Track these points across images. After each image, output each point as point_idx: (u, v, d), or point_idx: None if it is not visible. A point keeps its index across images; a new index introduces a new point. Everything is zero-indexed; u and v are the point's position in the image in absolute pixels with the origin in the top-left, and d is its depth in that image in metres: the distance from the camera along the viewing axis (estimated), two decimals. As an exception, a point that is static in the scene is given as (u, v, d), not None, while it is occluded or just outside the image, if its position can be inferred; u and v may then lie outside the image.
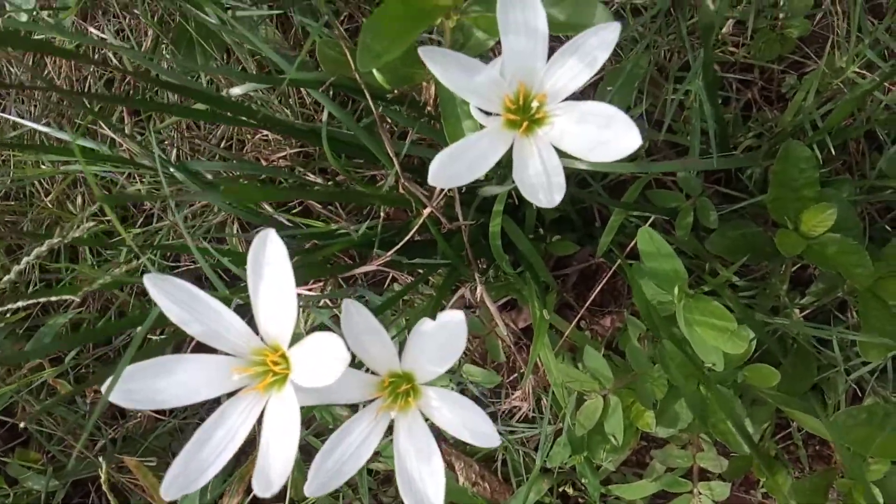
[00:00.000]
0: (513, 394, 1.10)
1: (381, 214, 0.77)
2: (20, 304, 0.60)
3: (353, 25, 0.99)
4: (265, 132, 0.92)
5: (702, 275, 1.04)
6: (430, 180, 0.54)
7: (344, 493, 1.11)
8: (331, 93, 0.73)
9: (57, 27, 0.72)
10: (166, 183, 0.73)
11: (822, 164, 0.84)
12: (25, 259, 0.59)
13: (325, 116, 0.71)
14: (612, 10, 0.99)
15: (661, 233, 1.00)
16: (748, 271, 1.00)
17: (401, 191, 0.75)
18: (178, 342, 0.64)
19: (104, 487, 0.78)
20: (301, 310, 0.89)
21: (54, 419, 1.10)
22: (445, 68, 0.54)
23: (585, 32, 0.54)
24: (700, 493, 0.95)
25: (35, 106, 1.09)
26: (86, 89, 0.99)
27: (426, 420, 0.56)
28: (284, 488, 0.62)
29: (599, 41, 0.54)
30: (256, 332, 0.53)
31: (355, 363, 0.55)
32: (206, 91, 0.75)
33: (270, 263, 0.50)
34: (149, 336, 1.05)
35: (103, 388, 0.52)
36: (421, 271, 0.96)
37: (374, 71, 0.67)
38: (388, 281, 1.06)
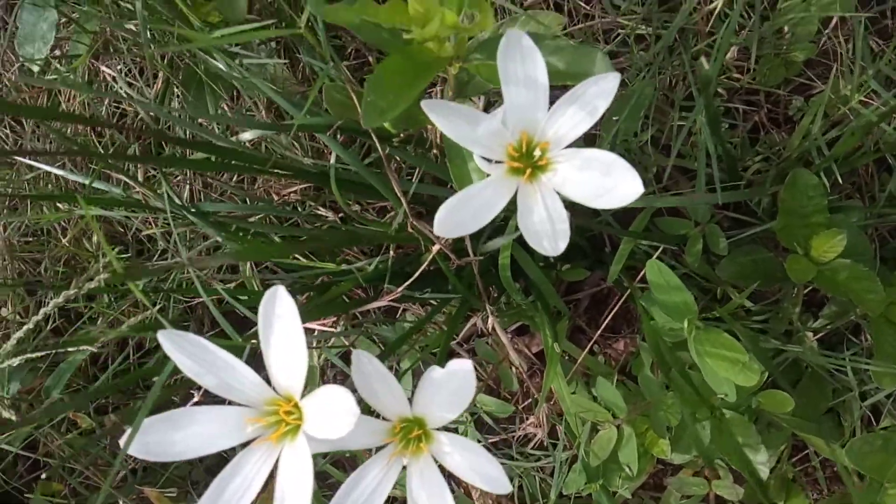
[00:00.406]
0: (527, 419, 1.11)
1: (391, 252, 0.78)
2: (37, 354, 0.61)
3: (360, 61, 1.00)
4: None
5: (714, 298, 1.04)
6: (436, 230, 0.55)
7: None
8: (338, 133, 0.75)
9: (67, 82, 0.74)
10: (174, 225, 0.75)
11: (830, 190, 0.84)
12: (43, 310, 0.60)
13: (332, 159, 0.73)
14: (618, 38, 0.99)
15: (671, 258, 1.01)
16: (760, 294, 1.00)
17: (409, 230, 0.76)
18: (190, 386, 0.66)
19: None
20: (315, 345, 0.90)
21: (74, 450, 1.12)
22: (448, 121, 0.55)
23: (585, 82, 0.54)
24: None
25: (51, 143, 1.12)
26: (99, 129, 1.01)
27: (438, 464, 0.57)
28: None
29: (599, 91, 0.54)
30: (269, 382, 0.54)
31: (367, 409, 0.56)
32: (217, 136, 0.77)
33: (280, 318, 0.51)
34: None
35: (121, 442, 0.53)
36: (434, 302, 0.97)
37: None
38: (399, 311, 1.07)
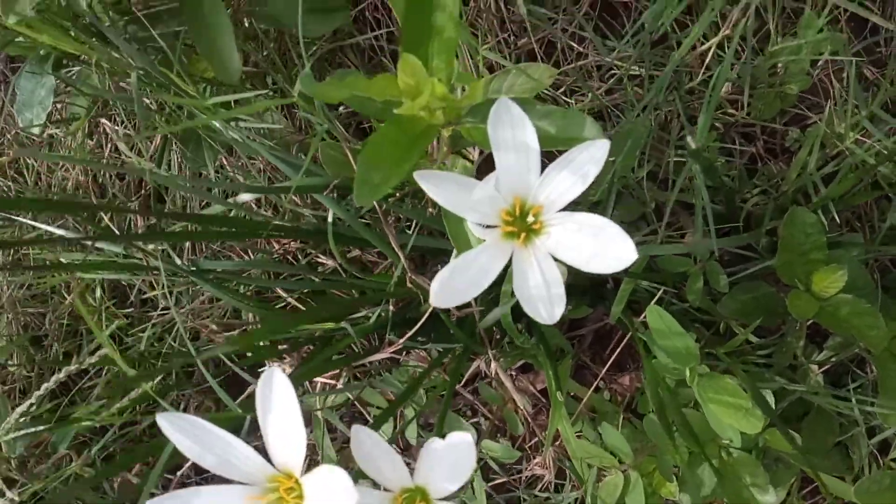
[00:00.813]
0: (534, 457, 1.10)
1: (391, 307, 0.78)
2: (38, 428, 0.61)
3: (355, 111, 1.01)
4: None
5: (717, 332, 1.04)
6: (433, 302, 0.55)
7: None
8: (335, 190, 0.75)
9: (65, 156, 0.74)
10: (174, 285, 0.75)
11: (829, 223, 0.83)
12: (45, 385, 0.61)
13: (330, 216, 0.73)
14: (614, 76, 0.99)
15: (673, 294, 1.01)
16: (764, 327, 0.99)
17: (409, 284, 0.77)
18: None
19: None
20: (318, 399, 0.90)
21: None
22: (441, 190, 0.55)
23: (576, 149, 0.54)
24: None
25: (54, 194, 1.12)
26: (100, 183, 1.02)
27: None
28: None
29: (589, 157, 0.54)
30: (268, 459, 0.54)
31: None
32: (216, 198, 0.77)
33: (277, 399, 0.52)
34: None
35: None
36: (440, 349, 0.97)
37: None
38: (403, 354, 1.07)
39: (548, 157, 0.57)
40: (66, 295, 1.02)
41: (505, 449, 1.00)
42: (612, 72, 0.98)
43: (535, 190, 0.57)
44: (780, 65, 0.88)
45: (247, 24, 0.87)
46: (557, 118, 0.57)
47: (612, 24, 1.02)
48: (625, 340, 1.00)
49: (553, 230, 0.58)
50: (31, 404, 0.62)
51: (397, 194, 0.71)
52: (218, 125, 0.77)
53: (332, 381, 0.84)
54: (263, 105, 0.57)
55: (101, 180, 1.09)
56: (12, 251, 1.00)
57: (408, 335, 0.79)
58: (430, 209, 0.75)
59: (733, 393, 0.75)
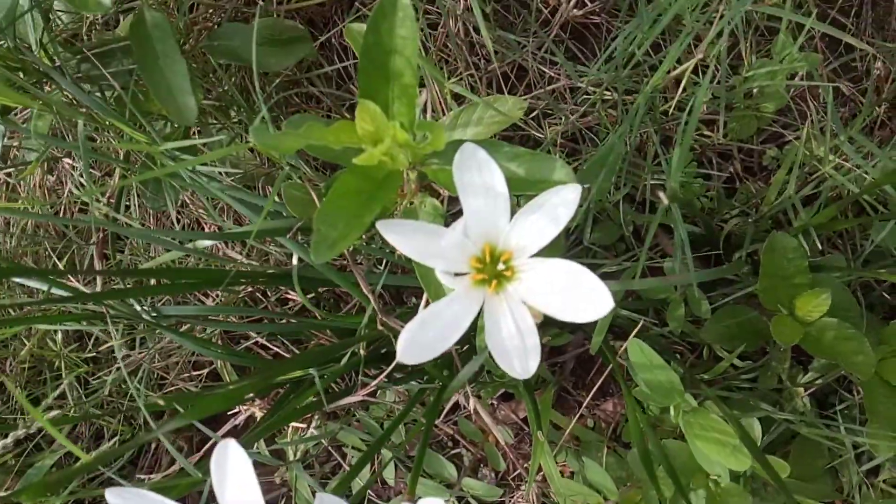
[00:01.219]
0: (518, 489, 1.08)
1: (361, 351, 0.75)
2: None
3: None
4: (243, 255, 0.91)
5: (700, 356, 1.02)
6: (400, 358, 0.52)
7: None
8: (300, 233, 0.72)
9: (10, 208, 0.71)
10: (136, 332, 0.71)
11: (809, 250, 0.81)
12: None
13: (294, 260, 0.70)
14: (587, 100, 0.97)
15: (654, 317, 0.99)
16: (747, 350, 0.97)
17: (379, 326, 0.74)
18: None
19: None
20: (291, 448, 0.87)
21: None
22: (407, 239, 0.53)
23: (547, 192, 0.52)
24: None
25: (11, 238, 1.08)
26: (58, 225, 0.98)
27: None
28: None
29: (561, 200, 0.52)
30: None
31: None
32: (173, 249, 0.74)
33: (233, 471, 0.49)
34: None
35: None
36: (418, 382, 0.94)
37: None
38: (378, 392, 1.04)
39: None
40: (25, 341, 0.98)
41: (487, 487, 0.97)
42: (586, 96, 0.95)
43: (506, 235, 0.54)
44: (753, 86, 0.86)
45: (206, 59, 0.84)
46: (526, 160, 0.55)
47: (583, 49, 1.00)
48: (608, 369, 0.98)
49: (525, 276, 0.55)
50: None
51: (363, 237, 0.68)
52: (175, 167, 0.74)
53: (304, 426, 0.81)
54: (218, 154, 0.54)
55: (61, 216, 1.05)
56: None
57: (381, 375, 0.76)
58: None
59: (721, 430, 0.72)
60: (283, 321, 0.89)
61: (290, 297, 0.94)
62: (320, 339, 0.92)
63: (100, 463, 0.52)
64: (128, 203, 0.91)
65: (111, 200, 0.89)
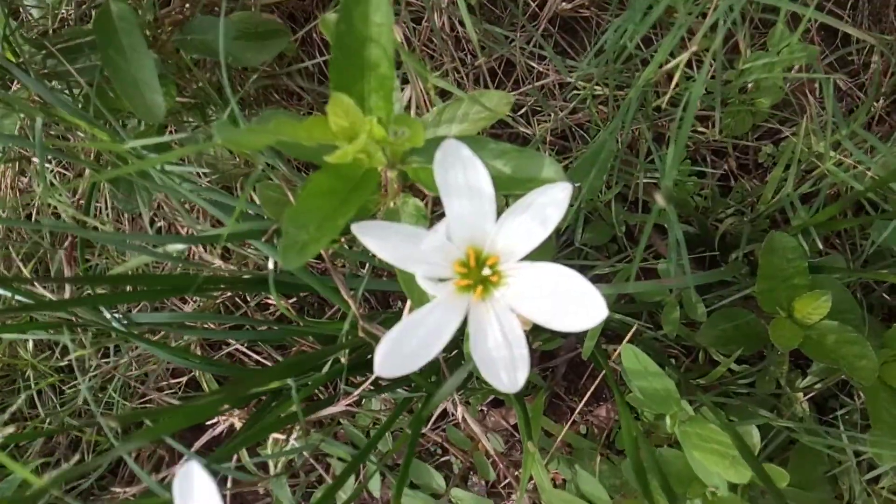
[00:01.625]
0: (509, 499, 1.04)
1: (343, 359, 0.72)
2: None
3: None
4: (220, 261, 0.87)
5: (695, 359, 0.99)
6: (378, 373, 0.49)
7: None
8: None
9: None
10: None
11: (809, 251, 0.78)
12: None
13: (270, 265, 0.66)
14: (577, 95, 0.94)
15: (648, 321, 0.96)
16: (744, 354, 0.94)
17: (360, 334, 0.70)
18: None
19: None
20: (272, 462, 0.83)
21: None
22: (384, 242, 0.49)
23: (535, 191, 0.49)
24: None
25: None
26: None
27: None
28: None
29: (550, 200, 0.49)
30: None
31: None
32: (145, 255, 0.70)
33: (197, 495, 0.45)
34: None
35: None
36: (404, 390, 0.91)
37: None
38: (362, 401, 1.00)
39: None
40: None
41: (476, 498, 0.94)
42: (576, 91, 0.92)
43: (492, 238, 0.51)
44: (749, 80, 0.83)
45: (181, 55, 0.80)
46: (513, 157, 0.52)
47: (573, 43, 0.97)
48: (601, 374, 0.95)
49: (513, 281, 0.52)
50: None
51: (342, 240, 0.65)
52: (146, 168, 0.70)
53: (284, 437, 0.78)
54: (184, 151, 0.51)
55: (33, 219, 1.01)
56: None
57: (363, 386, 0.73)
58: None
59: (719, 442, 0.69)
60: (265, 328, 0.85)
61: (271, 302, 0.90)
62: (302, 346, 0.88)
63: (56, 486, 0.48)
64: (100, 206, 0.87)
65: (81, 202, 0.85)
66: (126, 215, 0.90)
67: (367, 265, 0.73)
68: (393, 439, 0.93)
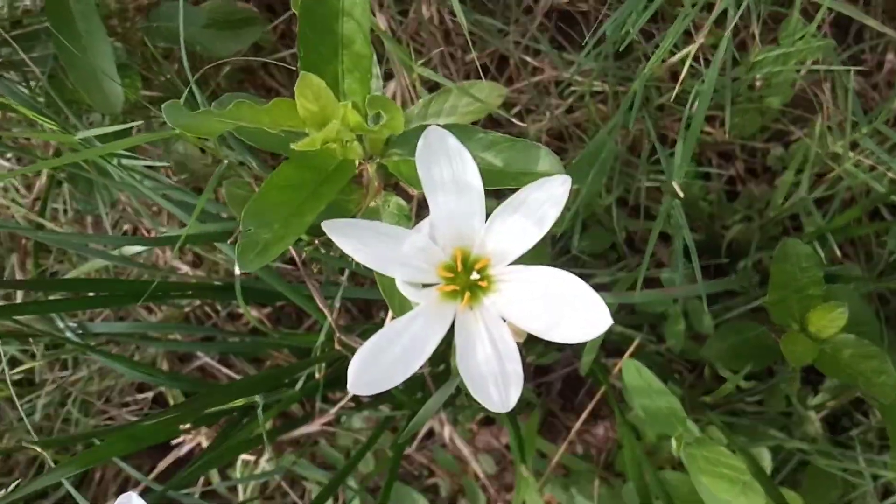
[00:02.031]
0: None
1: (318, 374, 0.66)
2: None
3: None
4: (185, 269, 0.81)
5: (700, 374, 0.93)
6: (352, 388, 0.43)
7: None
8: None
9: None
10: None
11: (824, 260, 0.73)
12: None
13: (237, 270, 0.60)
14: (574, 93, 0.88)
15: (650, 333, 0.90)
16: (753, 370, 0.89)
17: (337, 346, 0.64)
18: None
19: None
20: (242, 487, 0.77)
21: None
22: (359, 242, 0.43)
23: (530, 186, 0.43)
24: None
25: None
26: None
27: None
28: None
29: (547, 195, 0.43)
30: None
31: None
32: (100, 258, 0.65)
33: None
34: None
35: None
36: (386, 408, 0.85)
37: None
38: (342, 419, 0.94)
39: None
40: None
41: (465, 526, 0.87)
42: (573, 88, 0.87)
43: (481, 238, 0.45)
44: (758, 76, 0.78)
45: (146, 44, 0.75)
46: (504, 148, 0.46)
47: (571, 35, 0.91)
48: (600, 391, 0.89)
49: (504, 287, 0.46)
50: None
51: (317, 241, 0.59)
52: (103, 163, 0.64)
53: (253, 458, 0.71)
54: (138, 140, 0.45)
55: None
56: None
57: (340, 404, 0.67)
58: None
59: (729, 466, 0.63)
60: (237, 339, 0.79)
61: (241, 311, 0.84)
62: (278, 360, 0.82)
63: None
64: (59, 207, 0.81)
65: (36, 203, 0.79)
66: (89, 219, 0.84)
67: (346, 271, 0.67)
68: (375, 461, 0.87)
